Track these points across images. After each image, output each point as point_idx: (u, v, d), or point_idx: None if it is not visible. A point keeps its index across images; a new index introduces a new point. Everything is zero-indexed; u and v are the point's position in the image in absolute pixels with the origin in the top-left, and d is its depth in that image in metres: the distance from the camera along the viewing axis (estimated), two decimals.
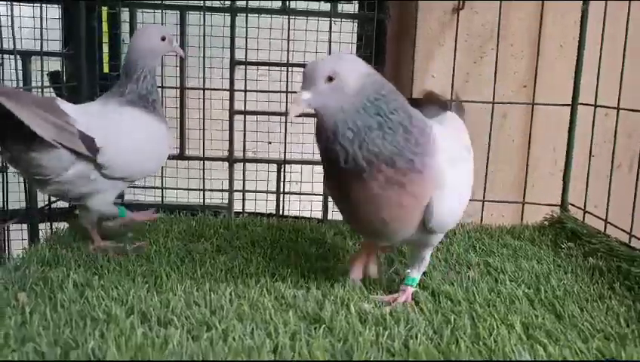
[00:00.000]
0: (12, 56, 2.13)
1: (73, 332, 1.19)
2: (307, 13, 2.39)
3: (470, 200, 2.18)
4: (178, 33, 2.34)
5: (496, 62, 2.15)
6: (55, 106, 1.57)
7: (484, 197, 2.21)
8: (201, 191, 2.38)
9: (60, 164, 1.57)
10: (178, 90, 2.36)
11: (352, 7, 2.48)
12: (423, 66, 2.27)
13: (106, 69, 2.50)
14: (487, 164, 2.18)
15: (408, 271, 1.49)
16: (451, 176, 1.33)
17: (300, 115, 1.30)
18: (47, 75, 2.32)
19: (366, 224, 1.37)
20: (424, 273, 1.64)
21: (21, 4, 2.23)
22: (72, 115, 1.59)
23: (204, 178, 2.37)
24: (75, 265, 1.58)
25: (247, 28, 2.30)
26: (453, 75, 2.15)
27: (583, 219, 2.05)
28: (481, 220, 2.22)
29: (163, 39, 1.85)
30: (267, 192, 2.49)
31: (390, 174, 1.25)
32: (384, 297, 1.46)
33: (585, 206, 2.05)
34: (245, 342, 1.18)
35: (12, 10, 1.88)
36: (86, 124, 1.60)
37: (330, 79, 1.26)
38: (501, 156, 2.31)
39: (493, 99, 2.15)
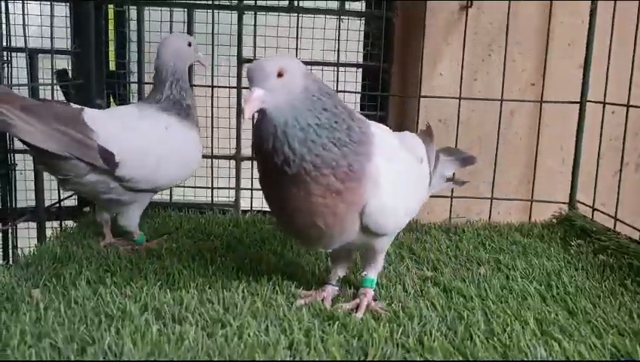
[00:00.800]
0: (20, 54, 2.15)
1: (89, 329, 1.19)
2: (315, 11, 2.39)
3: (478, 198, 2.23)
4: (185, 31, 2.34)
5: (505, 60, 2.15)
6: (79, 119, 1.58)
7: (492, 195, 2.21)
8: (209, 189, 2.38)
9: (78, 171, 1.60)
10: None
11: (360, 5, 2.49)
12: (430, 65, 2.26)
13: (112, 67, 2.51)
14: (496, 162, 2.18)
15: (364, 273, 1.46)
16: (390, 175, 1.29)
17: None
18: (55, 73, 2.32)
19: (302, 230, 1.29)
20: (435, 269, 1.65)
21: (29, 1, 2.23)
22: (95, 127, 1.59)
23: (212, 176, 2.37)
24: (87, 263, 1.58)
25: (255, 26, 2.30)
26: (461, 73, 2.15)
27: (592, 216, 2.05)
28: (489, 218, 2.22)
29: (189, 45, 1.87)
30: None
31: (331, 180, 1.20)
32: (346, 305, 1.39)
33: (594, 203, 2.05)
34: (260, 338, 1.18)
35: (24, 9, 1.88)
36: (107, 138, 1.60)
37: (280, 75, 1.20)
38: (508, 154, 2.31)
39: (502, 96, 2.15)
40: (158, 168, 1.71)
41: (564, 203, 2.20)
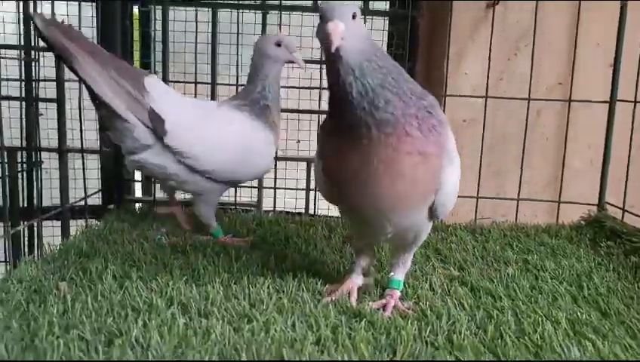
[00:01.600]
0: (47, 53, 2.17)
1: (116, 321, 1.19)
2: None
3: (504, 198, 2.20)
4: (209, 31, 2.35)
5: (532, 58, 2.11)
6: (139, 80, 1.67)
7: (518, 196, 2.18)
8: (232, 188, 2.38)
9: (138, 138, 1.67)
10: (210, 86, 2.36)
11: (385, 5, 2.47)
12: (455, 64, 2.24)
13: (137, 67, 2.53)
14: (522, 162, 2.15)
15: (392, 273, 1.44)
16: (456, 157, 1.27)
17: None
18: None
19: (370, 202, 1.23)
20: (462, 269, 1.63)
21: (58, 0, 2.25)
22: (152, 91, 1.67)
23: None
24: (113, 258, 1.59)
25: (279, 25, 2.29)
26: (488, 72, 2.12)
27: (622, 217, 2.01)
28: (516, 219, 2.18)
29: (278, 45, 1.84)
30: (297, 189, 2.48)
31: (416, 136, 1.16)
32: (373, 304, 1.36)
33: (624, 205, 2.01)
34: (288, 334, 1.17)
35: (53, 8, 1.89)
36: (161, 105, 1.68)
37: (354, 17, 1.15)
38: (535, 154, 2.27)
39: (529, 95, 2.12)
40: (210, 153, 1.74)
41: (592, 204, 2.16)
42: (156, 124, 1.66)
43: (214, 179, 1.77)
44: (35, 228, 2.03)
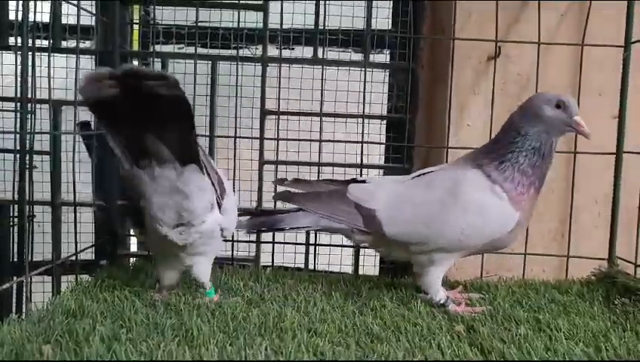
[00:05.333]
0: (44, 106, 2.14)
1: None
2: (339, 63, 2.38)
3: (510, 253, 2.12)
4: (209, 83, 2.33)
5: None
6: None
7: (525, 251, 2.11)
8: (229, 243, 2.31)
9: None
10: (207, 139, 2.32)
11: (385, 57, 2.47)
12: (457, 115, 2.21)
13: None
14: None
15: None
16: None
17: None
18: (78, 124, 2.31)
19: None
20: (471, 328, 1.54)
21: (55, 54, 2.24)
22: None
23: None
24: (102, 317, 1.50)
25: (279, 78, 2.28)
26: (491, 125, 2.08)
27: (635, 273, 1.93)
28: (523, 275, 2.10)
29: (558, 106, 1.66)
30: (296, 244, 2.41)
31: None
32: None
33: (635, 260, 1.94)
34: None
35: (50, 62, 1.89)
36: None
37: None
38: (540, 207, 2.21)
39: None
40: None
41: (602, 259, 2.08)
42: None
43: None
44: (25, 285, 1.95)
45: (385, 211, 1.75)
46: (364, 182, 1.86)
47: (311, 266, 2.40)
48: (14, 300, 2.09)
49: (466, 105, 2.22)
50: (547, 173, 1.72)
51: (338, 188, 1.84)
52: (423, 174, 1.82)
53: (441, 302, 1.73)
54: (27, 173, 1.97)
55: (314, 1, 2.33)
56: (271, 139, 2.31)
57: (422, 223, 1.71)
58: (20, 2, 1.88)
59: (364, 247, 2.08)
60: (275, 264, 2.37)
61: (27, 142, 1.99)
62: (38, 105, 2.01)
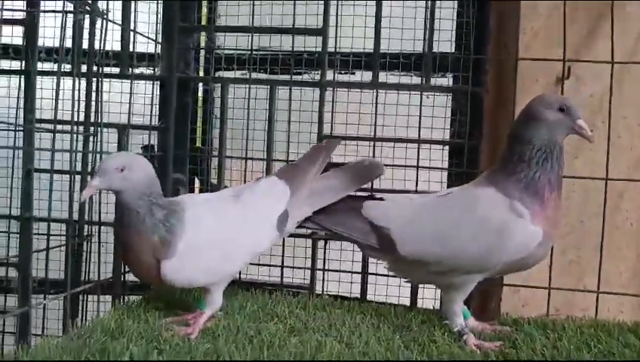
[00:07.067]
0: (109, 129, 2.22)
1: None
2: (398, 87, 2.31)
3: (581, 290, 1.94)
4: (267, 108, 2.33)
5: (609, 135, 1.92)
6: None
7: (598, 288, 1.92)
8: (282, 268, 2.27)
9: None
10: (264, 163, 2.31)
11: (447, 81, 2.38)
12: None
13: (198, 143, 2.55)
14: (602, 249, 1.91)
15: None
16: None
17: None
18: (142, 148, 2.39)
19: None
20: None
21: (122, 80, 2.33)
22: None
23: (283, 254, 2.26)
24: (138, 337, 1.49)
25: (334, 102, 2.24)
26: None
27: None
28: (596, 314, 1.91)
29: (561, 110, 1.56)
30: (352, 272, 2.33)
31: None
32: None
33: None
34: None
35: (100, 86, 1.95)
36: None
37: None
38: (617, 242, 2.02)
39: (607, 175, 1.91)
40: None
41: None
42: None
43: None
44: (64, 301, 1.98)
45: (399, 229, 1.67)
46: (381, 199, 1.79)
47: (370, 296, 2.31)
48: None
49: None
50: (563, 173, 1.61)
51: (355, 205, 1.77)
52: (444, 195, 1.74)
53: (456, 329, 1.64)
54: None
55: (373, 27, 2.28)
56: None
57: (436, 242, 1.62)
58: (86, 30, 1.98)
59: None
60: (329, 292, 2.30)
61: (89, 163, 2.06)
62: (105, 129, 2.10)
